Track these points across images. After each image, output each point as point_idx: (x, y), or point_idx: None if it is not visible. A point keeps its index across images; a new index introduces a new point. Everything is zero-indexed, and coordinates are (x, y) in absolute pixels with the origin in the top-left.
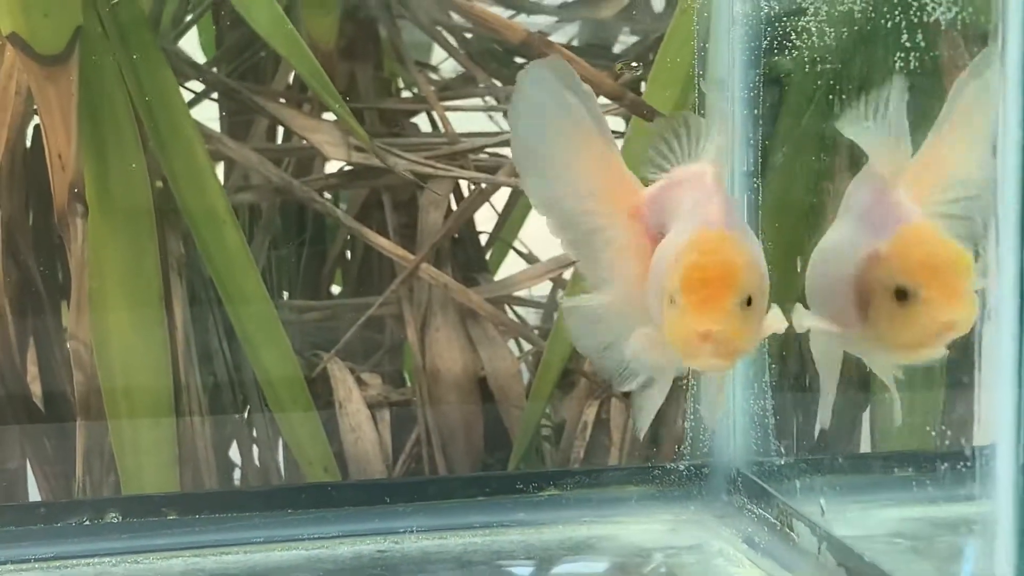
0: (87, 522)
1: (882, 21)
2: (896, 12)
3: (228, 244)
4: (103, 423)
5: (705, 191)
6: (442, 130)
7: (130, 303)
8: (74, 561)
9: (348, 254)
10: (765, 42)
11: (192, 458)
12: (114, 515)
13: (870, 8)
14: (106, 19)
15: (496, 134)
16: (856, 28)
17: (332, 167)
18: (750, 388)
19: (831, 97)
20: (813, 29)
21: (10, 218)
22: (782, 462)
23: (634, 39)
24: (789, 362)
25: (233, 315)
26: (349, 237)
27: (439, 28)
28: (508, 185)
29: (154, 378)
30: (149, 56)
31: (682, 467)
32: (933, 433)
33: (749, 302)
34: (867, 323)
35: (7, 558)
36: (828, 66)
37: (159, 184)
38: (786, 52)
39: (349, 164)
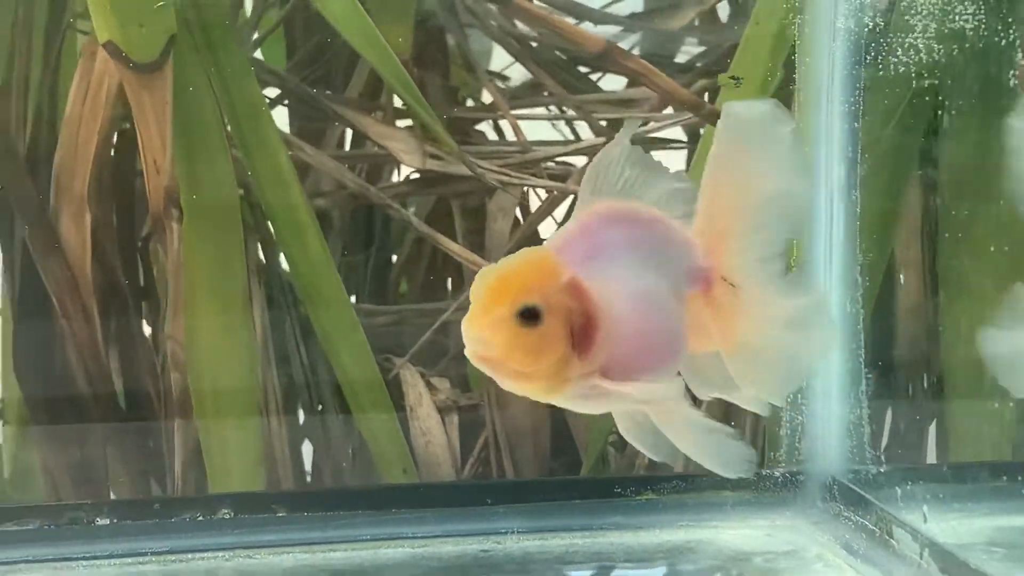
0: (200, 517)
1: (995, 39)
2: (1011, 31)
3: (310, 248)
4: (193, 422)
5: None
6: (508, 138)
7: (218, 306)
8: (189, 556)
9: (415, 260)
10: (868, 56)
11: (270, 458)
12: (226, 512)
13: (982, 26)
14: (194, 27)
15: (566, 142)
16: (967, 45)
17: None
18: (845, 398)
19: (939, 112)
20: (921, 46)
21: (98, 223)
22: (879, 470)
23: (698, 49)
24: (885, 371)
25: (314, 318)
26: (415, 243)
27: (508, 37)
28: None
29: (240, 379)
30: (235, 63)
31: (777, 474)
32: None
33: (532, 317)
34: None
35: (126, 551)
36: (934, 81)
37: (240, 192)
38: (890, 67)
39: (418, 172)
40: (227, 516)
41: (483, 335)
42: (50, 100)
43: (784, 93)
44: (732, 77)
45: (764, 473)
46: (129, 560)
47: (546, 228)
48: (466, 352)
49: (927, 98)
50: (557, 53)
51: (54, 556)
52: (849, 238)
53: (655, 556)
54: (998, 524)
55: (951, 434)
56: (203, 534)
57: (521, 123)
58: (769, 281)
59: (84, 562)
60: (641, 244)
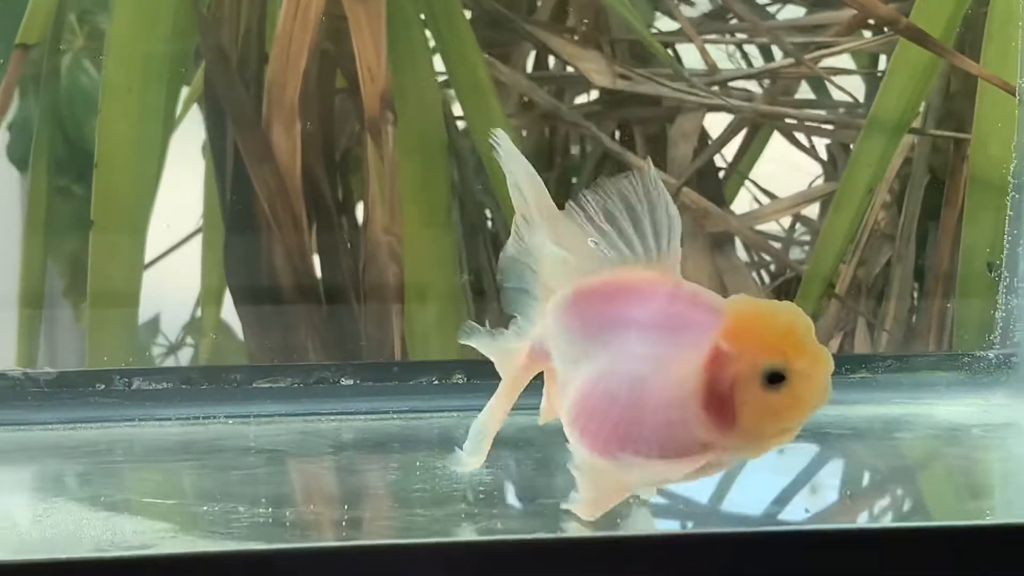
0: (436, 381)
1: None
2: None
3: None
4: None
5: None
6: (685, 66)
7: (421, 210)
8: (427, 415)
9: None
10: None
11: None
12: (460, 376)
13: None
14: None
15: (749, 70)
16: None
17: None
18: None
19: None
20: None
21: (305, 135)
22: None
23: None
24: None
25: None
26: (596, 167)
27: None
28: (766, 116)
29: (443, 275)
30: None
31: (991, 355)
32: None
33: None
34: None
35: (368, 409)
36: None
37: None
38: None
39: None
40: (460, 381)
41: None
42: (259, 19)
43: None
44: None
45: (978, 354)
46: (373, 417)
47: (727, 153)
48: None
49: None
50: None
51: (303, 412)
52: None
53: (874, 426)
54: None
55: None
56: (439, 396)
57: (693, 53)
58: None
59: (331, 417)
60: None
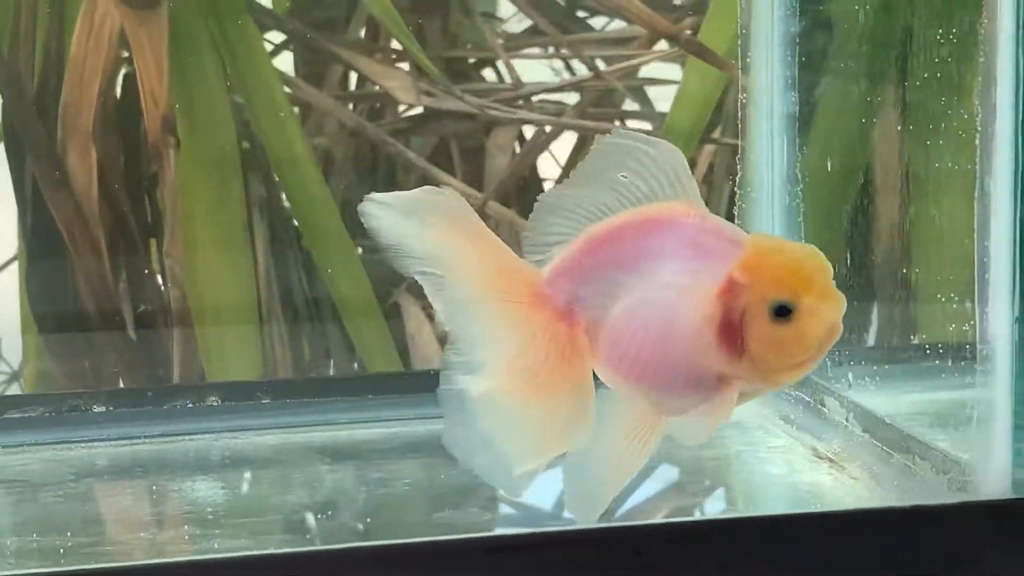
0: (190, 405)
1: None
2: None
3: (307, 180)
4: (192, 333)
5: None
6: (506, 82)
7: (215, 231)
8: (180, 438)
9: None
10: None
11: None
12: (214, 399)
13: None
14: None
15: (560, 82)
16: None
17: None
18: None
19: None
20: None
21: (103, 160)
22: None
23: None
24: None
25: (313, 250)
26: (419, 181)
27: None
28: (572, 128)
29: (238, 296)
30: (231, 4)
31: None
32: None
33: None
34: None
35: (120, 435)
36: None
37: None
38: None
39: (416, 111)
40: (215, 403)
41: (843, 307)
42: (58, 44)
43: None
44: None
45: None
46: (124, 443)
47: (542, 165)
48: (822, 336)
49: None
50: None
51: (55, 440)
52: (790, 135)
53: None
54: (929, 398)
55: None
56: (193, 419)
57: (523, 68)
58: None
59: (83, 444)
60: None
